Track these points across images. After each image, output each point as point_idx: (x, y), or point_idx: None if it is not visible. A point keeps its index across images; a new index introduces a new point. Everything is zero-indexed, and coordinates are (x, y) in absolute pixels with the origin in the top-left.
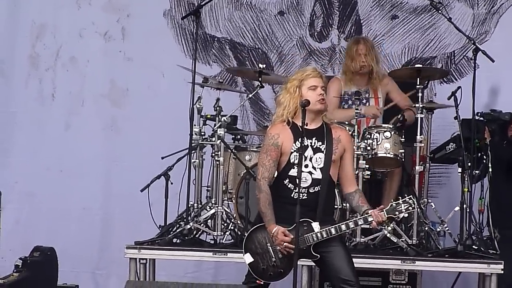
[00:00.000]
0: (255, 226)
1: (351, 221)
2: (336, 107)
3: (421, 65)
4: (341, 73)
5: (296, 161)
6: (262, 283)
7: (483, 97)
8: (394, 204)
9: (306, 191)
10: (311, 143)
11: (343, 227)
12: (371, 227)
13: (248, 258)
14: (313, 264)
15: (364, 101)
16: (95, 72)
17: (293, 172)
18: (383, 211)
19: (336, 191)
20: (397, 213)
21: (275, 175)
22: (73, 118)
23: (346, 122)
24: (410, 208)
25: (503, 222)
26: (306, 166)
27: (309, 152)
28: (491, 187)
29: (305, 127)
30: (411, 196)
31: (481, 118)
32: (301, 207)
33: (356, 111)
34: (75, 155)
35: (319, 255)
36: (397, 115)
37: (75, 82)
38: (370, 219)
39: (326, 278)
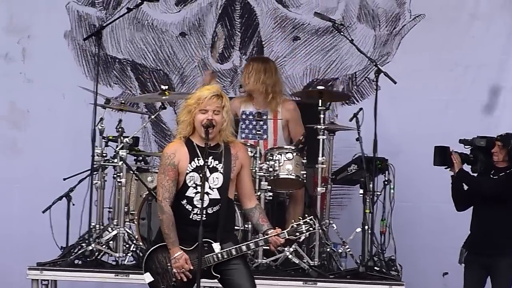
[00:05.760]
0: (156, 246)
1: (252, 242)
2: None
3: (323, 87)
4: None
5: (191, 183)
6: None
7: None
8: (295, 225)
9: (204, 212)
10: (207, 162)
11: (244, 248)
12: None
13: (148, 278)
14: (215, 285)
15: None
16: None
17: (190, 192)
18: (283, 232)
19: (238, 212)
20: (298, 234)
21: None
22: None
23: (249, 144)
24: (311, 228)
25: (475, 247)
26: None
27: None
28: (476, 211)
29: (202, 146)
30: (311, 217)
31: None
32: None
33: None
34: None
35: (219, 275)
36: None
37: None
38: (268, 241)
39: None
